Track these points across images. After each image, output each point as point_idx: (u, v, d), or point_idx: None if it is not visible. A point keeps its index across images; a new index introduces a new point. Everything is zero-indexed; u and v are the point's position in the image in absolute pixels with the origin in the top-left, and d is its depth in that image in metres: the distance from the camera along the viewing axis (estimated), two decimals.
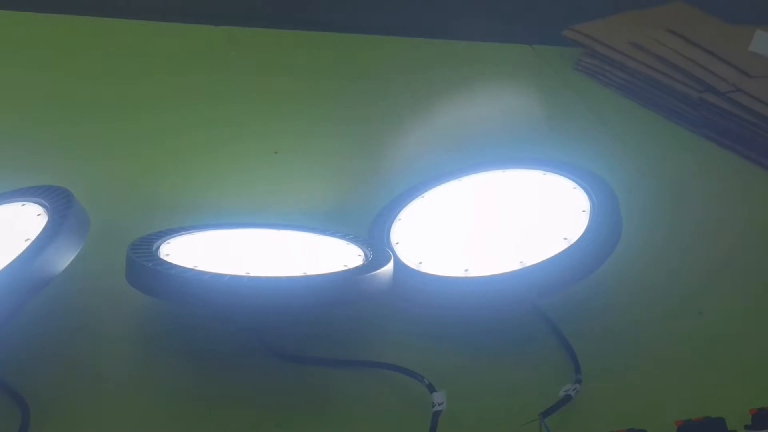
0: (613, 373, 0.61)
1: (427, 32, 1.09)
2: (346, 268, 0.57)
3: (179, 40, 1.04)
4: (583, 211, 0.65)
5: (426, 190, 0.74)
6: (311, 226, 0.68)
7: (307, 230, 0.67)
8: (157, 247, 0.59)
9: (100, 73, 0.92)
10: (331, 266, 0.58)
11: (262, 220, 0.68)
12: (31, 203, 0.59)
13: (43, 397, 0.52)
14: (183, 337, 0.60)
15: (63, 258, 0.52)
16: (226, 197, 0.77)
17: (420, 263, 0.64)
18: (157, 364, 0.58)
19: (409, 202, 0.73)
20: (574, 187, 0.68)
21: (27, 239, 0.53)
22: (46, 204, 0.57)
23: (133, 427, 0.54)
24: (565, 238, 0.62)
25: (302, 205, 0.78)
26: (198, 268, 0.54)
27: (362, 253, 0.61)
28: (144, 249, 0.58)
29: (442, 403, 0.53)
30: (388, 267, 0.59)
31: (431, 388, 0.55)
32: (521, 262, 0.61)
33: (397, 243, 0.68)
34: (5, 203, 0.60)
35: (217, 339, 0.59)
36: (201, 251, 0.60)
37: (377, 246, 0.64)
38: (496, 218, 0.68)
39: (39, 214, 0.57)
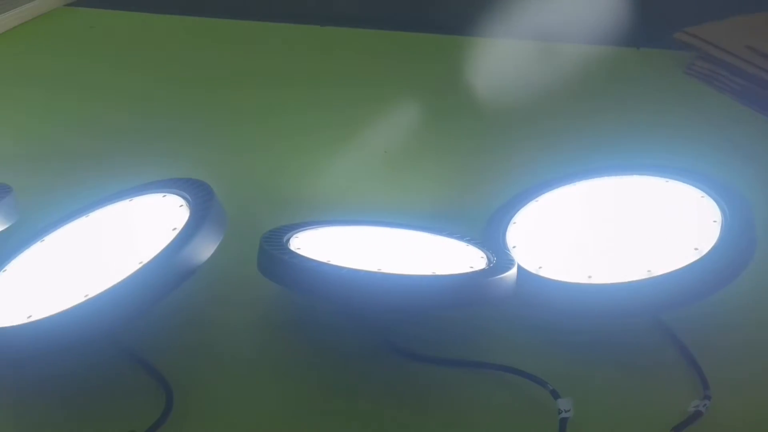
0: (744, 390, 0.59)
1: (534, 35, 1.08)
2: (473, 269, 0.58)
3: (289, 40, 1.07)
4: (714, 221, 0.63)
5: (540, 194, 0.74)
6: (424, 225, 0.69)
7: (423, 230, 0.68)
8: (288, 240, 0.61)
9: (232, 76, 0.97)
10: (457, 267, 0.58)
11: (378, 218, 0.70)
12: (172, 194, 0.62)
13: (183, 380, 0.55)
14: (308, 329, 0.62)
15: (207, 249, 0.55)
16: (340, 194, 0.79)
17: (539, 268, 0.64)
18: (284, 354, 0.60)
19: (524, 205, 0.73)
20: (702, 196, 0.66)
21: (174, 228, 0.56)
22: (187, 196, 0.60)
23: (259, 411, 0.56)
24: (696, 249, 0.60)
25: (411, 204, 0.79)
26: (331, 263, 0.56)
27: (484, 256, 0.62)
28: (276, 241, 0.60)
29: (569, 410, 0.53)
30: (514, 270, 0.59)
31: (555, 394, 0.55)
32: (648, 271, 0.60)
33: (514, 246, 0.67)
34: (147, 194, 0.64)
35: (341, 333, 0.61)
36: (327, 246, 0.61)
37: (497, 249, 0.64)
38: (618, 225, 0.67)
39: (181, 206, 0.60)
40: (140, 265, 0.53)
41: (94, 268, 0.55)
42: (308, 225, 0.65)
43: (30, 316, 0.51)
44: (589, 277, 0.61)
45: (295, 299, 0.62)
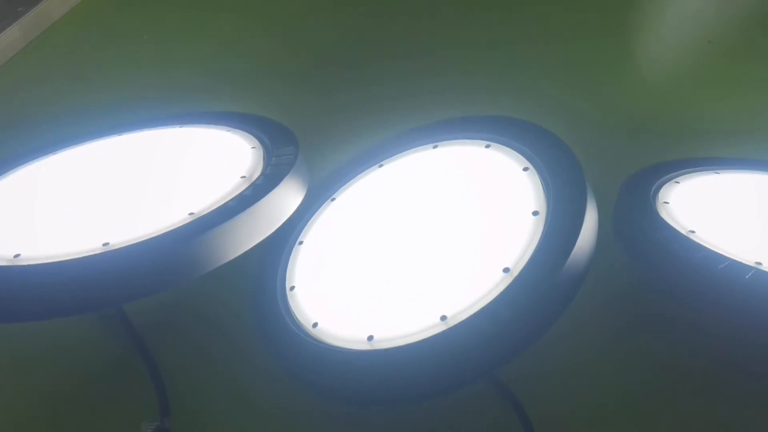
0: None
1: None
2: None
3: None
4: (535, 213, 0.42)
5: None
6: None
7: None
8: (656, 193, 0.46)
9: None
10: None
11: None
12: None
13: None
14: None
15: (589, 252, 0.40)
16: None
17: None
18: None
19: None
20: (526, 168, 0.46)
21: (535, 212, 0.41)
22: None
23: None
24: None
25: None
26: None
27: None
28: (642, 197, 0.45)
29: None
30: None
31: None
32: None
33: None
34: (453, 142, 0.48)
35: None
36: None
37: None
38: None
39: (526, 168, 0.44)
40: (511, 276, 0.38)
41: (447, 284, 0.41)
42: (676, 169, 0.48)
43: (371, 337, 0.39)
44: None
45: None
